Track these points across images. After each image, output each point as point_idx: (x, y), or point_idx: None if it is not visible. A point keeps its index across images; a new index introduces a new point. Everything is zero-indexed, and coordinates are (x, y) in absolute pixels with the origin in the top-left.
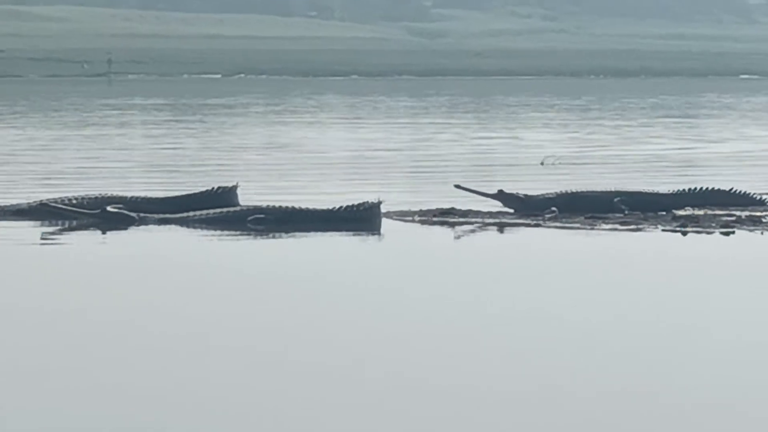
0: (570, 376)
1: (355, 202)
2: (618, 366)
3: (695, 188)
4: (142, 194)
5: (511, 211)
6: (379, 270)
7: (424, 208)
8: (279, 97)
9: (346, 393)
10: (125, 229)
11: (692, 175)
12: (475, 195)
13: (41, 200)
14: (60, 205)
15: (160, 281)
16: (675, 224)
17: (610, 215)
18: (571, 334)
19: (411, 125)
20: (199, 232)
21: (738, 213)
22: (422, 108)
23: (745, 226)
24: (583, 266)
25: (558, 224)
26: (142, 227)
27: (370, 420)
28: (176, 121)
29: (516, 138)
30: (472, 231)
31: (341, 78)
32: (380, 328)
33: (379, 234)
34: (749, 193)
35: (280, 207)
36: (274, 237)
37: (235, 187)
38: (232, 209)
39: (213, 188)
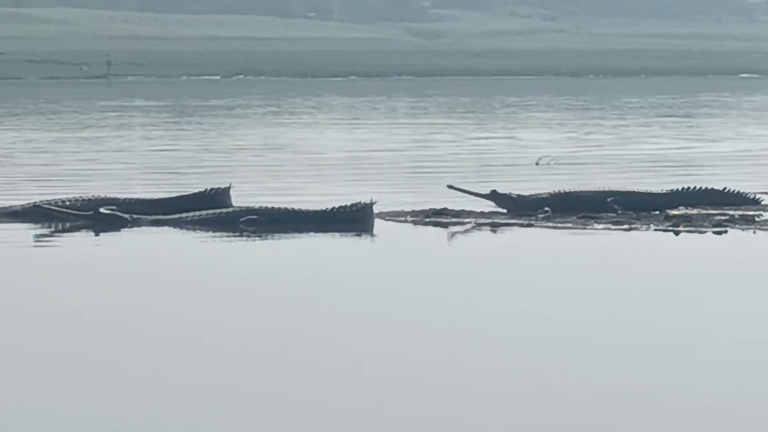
0: (563, 375)
1: (348, 203)
2: (611, 365)
3: (688, 188)
4: (135, 196)
5: (504, 211)
6: (371, 270)
7: (418, 208)
8: (278, 98)
9: (339, 393)
10: (118, 230)
11: (691, 175)
12: (468, 195)
13: (34, 202)
14: (53, 207)
15: (153, 282)
16: (667, 224)
17: (603, 215)
18: (564, 333)
19: (409, 126)
20: (192, 233)
21: (731, 212)
22: (421, 108)
23: (738, 226)
24: (575, 266)
25: (551, 224)
26: (135, 229)
27: (364, 420)
28: (175, 122)
29: (513, 138)
30: (465, 231)
31: (340, 79)
32: (372, 329)
33: (371, 234)
34: (742, 193)
35: (273, 208)
36: (266, 238)
37: (228, 189)
38: (224, 210)
39: (206, 189)
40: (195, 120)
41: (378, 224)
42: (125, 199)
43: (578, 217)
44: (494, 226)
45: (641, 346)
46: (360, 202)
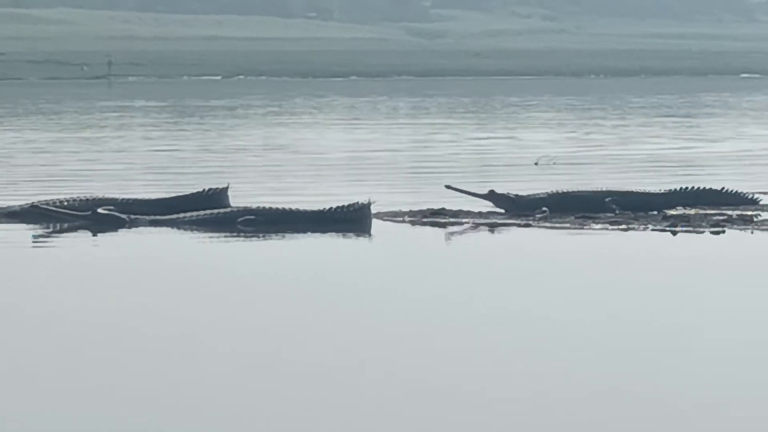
0: (561, 375)
1: (346, 203)
2: (608, 365)
3: (687, 188)
4: (133, 196)
5: (502, 211)
6: (368, 270)
7: (416, 208)
8: (278, 99)
9: (337, 393)
10: (116, 231)
11: (691, 175)
12: (466, 195)
13: (32, 202)
14: (51, 207)
15: (151, 283)
16: (665, 224)
17: (600, 215)
18: (561, 333)
19: (409, 126)
20: (189, 233)
21: (729, 212)
22: (422, 108)
23: (735, 226)
24: (573, 266)
25: (548, 224)
26: (132, 229)
27: (363, 420)
28: (176, 122)
29: (513, 138)
30: (463, 231)
31: (341, 79)
32: (369, 329)
33: (369, 235)
34: (741, 193)
35: (271, 208)
36: (264, 238)
37: (225, 189)
38: (222, 211)
39: (204, 190)
40: (196, 120)
41: (376, 224)
42: (123, 199)
43: (576, 217)
44: (492, 226)
45: (638, 346)
46: (357, 203)
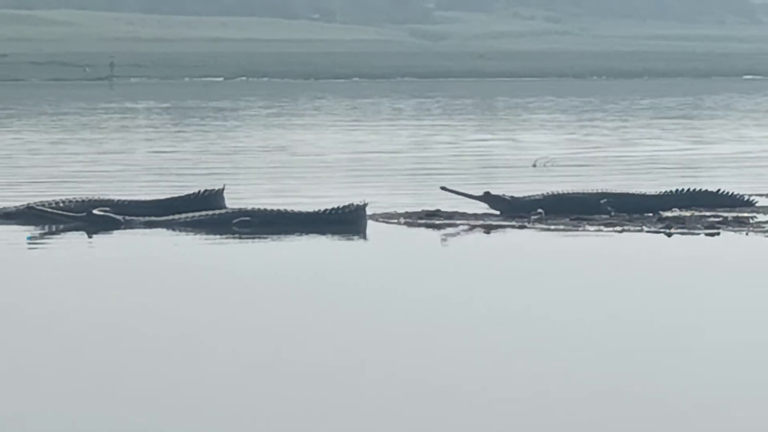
0: (558, 375)
1: (341, 204)
2: (604, 366)
3: (682, 189)
4: (129, 197)
5: (498, 212)
6: (363, 272)
7: (411, 210)
8: (281, 100)
9: (335, 394)
10: (111, 232)
11: (689, 177)
12: (461, 197)
13: (27, 203)
14: (46, 208)
15: (146, 284)
16: (660, 226)
17: (596, 217)
18: (558, 334)
19: (411, 127)
20: (184, 235)
21: (725, 214)
22: (423, 110)
23: (730, 228)
24: (568, 267)
25: (544, 226)
26: (128, 230)
27: (361, 420)
28: (178, 124)
29: (513, 140)
30: (458, 233)
31: (344, 80)
32: (367, 329)
33: (364, 236)
34: (736, 194)
35: (266, 209)
36: (259, 239)
37: (221, 190)
38: (217, 212)
39: (199, 191)
40: (198, 122)
41: (371, 226)
42: (118, 200)
43: (571, 219)
44: (487, 228)
45: (635, 347)
46: (352, 204)
